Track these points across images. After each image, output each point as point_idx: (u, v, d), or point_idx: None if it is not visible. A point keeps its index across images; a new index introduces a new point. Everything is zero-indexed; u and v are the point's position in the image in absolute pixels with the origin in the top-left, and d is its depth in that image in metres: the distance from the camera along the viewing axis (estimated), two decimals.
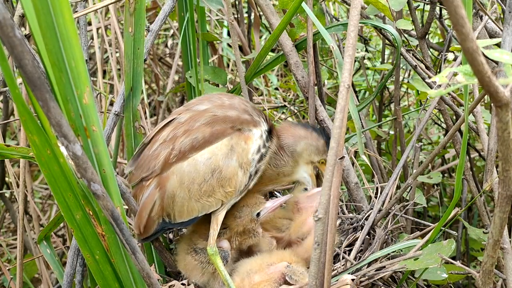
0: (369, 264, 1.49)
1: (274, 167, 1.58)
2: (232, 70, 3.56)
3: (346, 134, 1.99)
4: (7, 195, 2.76)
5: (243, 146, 1.47)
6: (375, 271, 1.43)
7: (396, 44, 1.78)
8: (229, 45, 3.24)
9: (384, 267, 1.44)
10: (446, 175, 3.02)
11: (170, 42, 3.80)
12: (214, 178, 1.44)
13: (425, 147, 3.10)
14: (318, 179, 1.68)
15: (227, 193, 1.46)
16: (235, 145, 1.46)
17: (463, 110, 1.51)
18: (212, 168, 1.44)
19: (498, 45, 1.63)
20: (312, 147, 1.59)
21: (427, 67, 1.93)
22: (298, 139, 1.59)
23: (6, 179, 2.75)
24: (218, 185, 1.45)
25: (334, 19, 2.54)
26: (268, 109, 2.83)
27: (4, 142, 2.21)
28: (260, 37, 2.98)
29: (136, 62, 1.56)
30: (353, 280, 1.40)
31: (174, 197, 1.45)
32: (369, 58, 3.08)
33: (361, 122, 2.16)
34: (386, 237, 1.63)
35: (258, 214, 1.56)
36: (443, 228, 1.53)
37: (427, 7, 2.11)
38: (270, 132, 1.56)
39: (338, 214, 1.78)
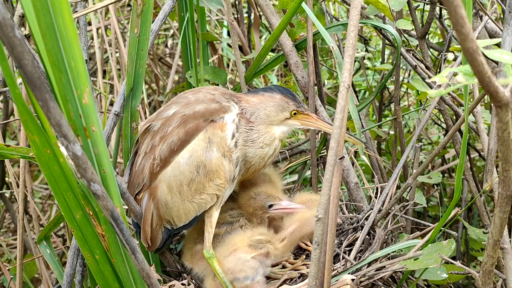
0: (369, 264, 1.49)
1: (252, 143, 1.51)
2: (232, 70, 3.56)
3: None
4: (7, 195, 2.76)
5: (220, 135, 1.46)
6: (375, 271, 1.43)
7: (396, 44, 1.78)
8: (229, 45, 3.23)
9: (384, 267, 1.44)
10: (446, 175, 3.02)
11: (170, 42, 3.80)
12: (200, 175, 1.44)
13: (425, 147, 3.10)
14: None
15: (218, 186, 1.46)
16: (212, 136, 1.45)
17: (463, 110, 1.51)
18: (196, 165, 1.44)
19: (498, 45, 1.63)
20: (272, 107, 1.53)
21: (427, 67, 1.93)
22: (256, 105, 1.54)
23: (6, 179, 2.75)
24: (207, 179, 1.44)
25: (334, 19, 2.54)
26: None
27: (4, 142, 2.21)
28: (260, 37, 2.98)
29: (139, 63, 1.56)
30: (353, 280, 1.40)
31: (167, 204, 1.46)
32: (369, 58, 3.08)
33: (361, 122, 2.16)
34: (386, 237, 1.63)
35: (270, 206, 1.60)
36: (443, 228, 1.53)
37: (427, 7, 2.11)
38: None
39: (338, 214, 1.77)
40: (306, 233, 1.51)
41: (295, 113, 1.55)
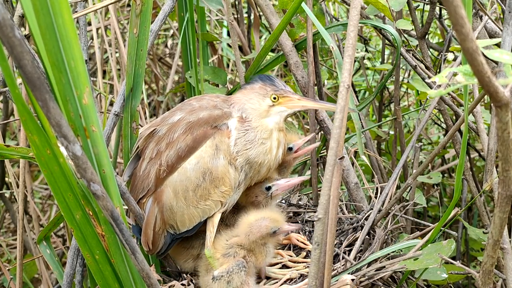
0: (369, 264, 1.49)
1: (251, 144, 1.49)
2: (232, 70, 3.56)
3: (346, 134, 1.99)
4: (7, 195, 2.76)
5: (227, 142, 1.47)
6: (375, 271, 1.43)
7: (396, 44, 1.78)
8: (229, 45, 3.23)
9: (384, 267, 1.44)
10: (446, 175, 3.02)
11: (170, 42, 3.80)
12: (206, 181, 1.45)
13: (425, 147, 3.10)
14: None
15: (223, 193, 1.47)
16: (219, 144, 1.46)
17: (463, 110, 1.51)
18: (202, 171, 1.45)
19: (498, 45, 1.63)
20: (254, 98, 1.52)
21: (427, 67, 1.92)
22: (241, 101, 1.53)
23: (6, 179, 2.75)
24: (212, 186, 1.46)
25: (334, 19, 2.54)
26: None
27: (4, 142, 2.21)
28: (260, 37, 2.98)
29: (138, 63, 1.57)
30: (353, 280, 1.40)
31: (172, 208, 1.47)
32: (369, 58, 3.08)
33: (361, 122, 2.16)
34: (386, 237, 1.63)
35: (268, 188, 1.58)
36: (443, 228, 1.53)
37: (427, 7, 2.11)
38: None
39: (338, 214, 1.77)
40: (260, 236, 1.47)
41: (275, 98, 1.52)
